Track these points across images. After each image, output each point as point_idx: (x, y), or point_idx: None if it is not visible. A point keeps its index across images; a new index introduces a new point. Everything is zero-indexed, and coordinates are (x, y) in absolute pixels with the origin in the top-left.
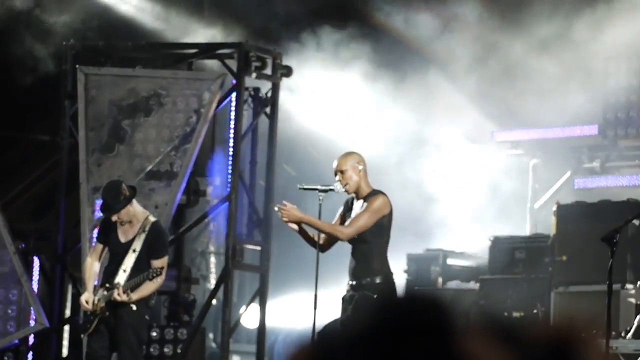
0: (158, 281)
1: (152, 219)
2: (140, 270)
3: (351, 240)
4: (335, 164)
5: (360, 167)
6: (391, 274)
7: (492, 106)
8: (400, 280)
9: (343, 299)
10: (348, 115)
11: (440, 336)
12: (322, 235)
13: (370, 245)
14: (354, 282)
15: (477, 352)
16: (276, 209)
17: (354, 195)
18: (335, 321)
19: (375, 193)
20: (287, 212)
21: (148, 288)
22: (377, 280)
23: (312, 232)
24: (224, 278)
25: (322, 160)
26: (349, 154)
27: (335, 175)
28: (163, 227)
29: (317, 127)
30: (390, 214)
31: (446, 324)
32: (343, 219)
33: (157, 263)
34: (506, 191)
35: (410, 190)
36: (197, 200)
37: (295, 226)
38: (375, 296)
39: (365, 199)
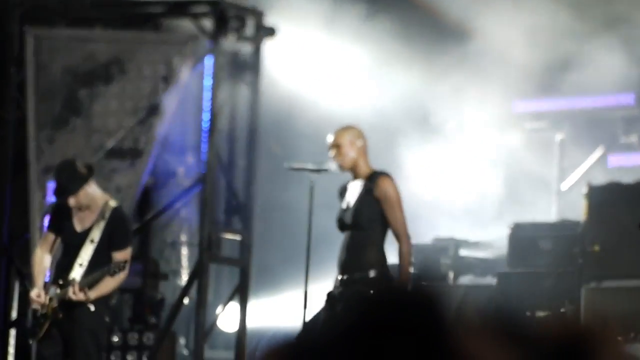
0: (120, 277)
1: (113, 204)
2: (99, 264)
3: (343, 227)
4: (330, 137)
5: (359, 144)
6: (387, 267)
7: (511, 71)
8: None
9: (329, 295)
10: (344, 83)
11: (442, 339)
12: None
13: (366, 233)
14: (345, 277)
15: (493, 357)
16: None
17: (348, 181)
18: (314, 319)
19: (378, 175)
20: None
21: (108, 285)
22: (372, 274)
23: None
24: (198, 273)
25: (313, 136)
26: (346, 127)
27: (330, 151)
28: (126, 214)
29: (308, 97)
30: None
31: (446, 325)
32: (342, 213)
33: (119, 256)
34: (528, 171)
35: (414, 171)
36: (166, 182)
37: None
38: (371, 291)
39: (369, 180)
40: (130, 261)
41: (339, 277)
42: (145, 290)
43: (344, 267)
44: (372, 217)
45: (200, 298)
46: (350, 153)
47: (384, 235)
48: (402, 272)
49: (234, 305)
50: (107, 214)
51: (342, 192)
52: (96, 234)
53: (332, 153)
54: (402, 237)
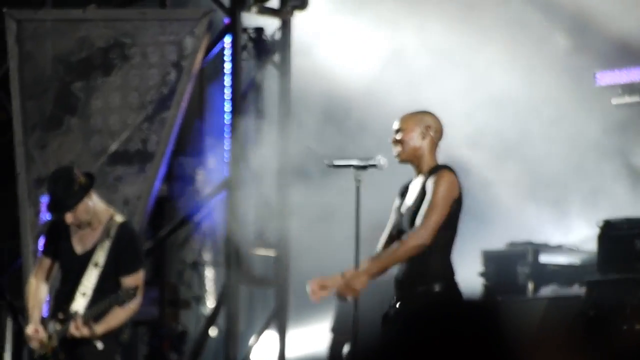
0: (131, 307)
1: (119, 219)
2: (106, 292)
3: (401, 235)
4: (397, 121)
5: (431, 133)
6: (455, 280)
7: (593, 37)
8: (474, 286)
9: (385, 317)
10: (397, 64)
11: None
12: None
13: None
14: (403, 293)
15: None
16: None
17: (411, 179)
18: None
19: (440, 168)
20: (349, 292)
21: (118, 317)
22: (436, 289)
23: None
24: (226, 298)
25: (358, 128)
26: (419, 112)
27: (394, 134)
28: (135, 230)
29: (351, 80)
30: (460, 198)
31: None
32: (400, 218)
33: (129, 281)
34: (617, 156)
35: (481, 161)
36: (184, 191)
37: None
38: (437, 310)
39: (429, 175)
40: (143, 287)
41: (396, 294)
42: (164, 322)
43: (402, 281)
44: None
45: (230, 328)
46: (415, 140)
47: (450, 241)
48: (386, 255)
49: (271, 335)
50: (113, 232)
51: (403, 192)
52: (100, 257)
53: (393, 137)
54: (424, 233)
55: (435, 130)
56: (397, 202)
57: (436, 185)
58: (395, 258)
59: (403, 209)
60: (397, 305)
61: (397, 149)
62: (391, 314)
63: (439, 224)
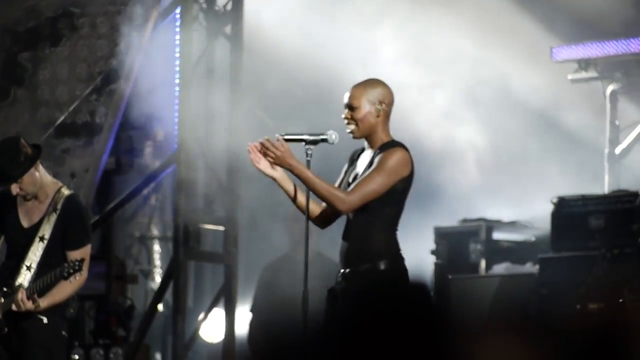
0: (78, 280)
1: (66, 192)
2: (52, 265)
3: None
4: (347, 95)
5: (382, 106)
6: (401, 257)
7: (550, 11)
8: (425, 265)
9: (330, 292)
10: (353, 34)
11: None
12: (314, 202)
13: (373, 218)
14: (348, 270)
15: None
16: (256, 143)
17: (363, 147)
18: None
19: (393, 145)
20: (277, 150)
21: (64, 291)
22: (382, 267)
23: (299, 190)
24: (174, 273)
25: (310, 101)
26: (372, 83)
27: (345, 109)
28: (83, 204)
29: (304, 52)
30: (410, 176)
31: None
32: (350, 183)
33: (75, 254)
34: (573, 132)
35: (436, 138)
36: (132, 164)
37: (276, 173)
38: (380, 289)
39: (380, 150)
40: (89, 261)
41: (342, 270)
42: (110, 297)
43: (347, 257)
44: (382, 197)
45: (178, 304)
46: (369, 118)
47: (396, 218)
48: (320, 184)
49: (219, 312)
50: (60, 205)
51: (354, 158)
52: (47, 230)
53: (345, 114)
54: (352, 198)
55: (388, 103)
56: (345, 166)
57: (384, 158)
58: (320, 188)
59: (350, 177)
60: (342, 281)
61: (351, 127)
62: (337, 289)
63: (370, 196)
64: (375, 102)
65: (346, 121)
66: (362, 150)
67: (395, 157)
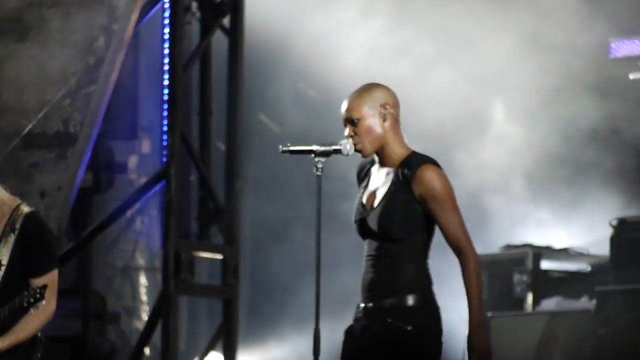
0: (42, 312)
1: (25, 209)
2: (11, 296)
3: (366, 234)
4: (344, 107)
5: (386, 111)
6: (432, 291)
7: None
8: (458, 301)
9: (348, 332)
10: (365, 28)
11: None
12: None
13: (400, 245)
14: (371, 305)
15: None
16: None
17: (371, 160)
18: None
19: (418, 162)
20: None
21: (29, 327)
22: (410, 302)
23: None
24: (163, 310)
25: (322, 104)
26: (367, 89)
27: (345, 126)
28: (44, 221)
29: (314, 49)
30: None
31: None
32: (363, 212)
33: (37, 282)
34: (634, 143)
35: (470, 152)
36: (112, 181)
37: None
38: (409, 328)
39: (404, 168)
40: (55, 288)
41: (363, 305)
42: (88, 339)
43: (370, 291)
44: (409, 221)
45: (168, 346)
46: (376, 129)
47: (426, 247)
48: (470, 299)
49: (217, 356)
50: (18, 224)
51: (362, 174)
52: (4, 254)
53: (347, 131)
54: (465, 249)
55: (393, 105)
56: (358, 187)
57: (438, 189)
58: (478, 286)
59: (364, 199)
60: (362, 319)
61: (358, 145)
62: (356, 327)
63: (467, 234)
64: (378, 107)
65: (351, 140)
66: (371, 163)
67: (439, 179)
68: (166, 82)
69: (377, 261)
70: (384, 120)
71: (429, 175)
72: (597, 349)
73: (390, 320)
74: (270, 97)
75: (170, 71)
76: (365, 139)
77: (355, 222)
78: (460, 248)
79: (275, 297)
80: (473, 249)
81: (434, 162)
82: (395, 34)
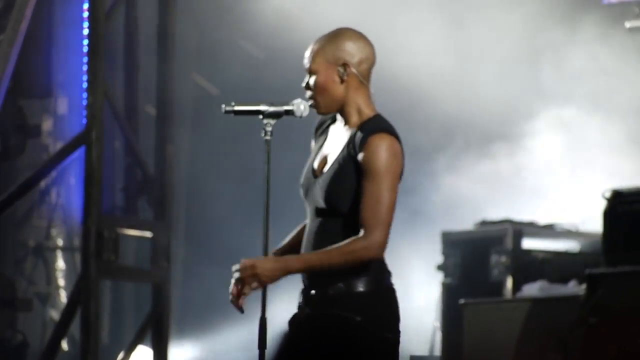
0: None
1: None
2: None
3: (310, 203)
4: (306, 55)
5: (352, 70)
6: (386, 275)
7: None
8: (428, 285)
9: (291, 322)
10: None
11: None
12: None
13: (347, 221)
14: (313, 292)
15: None
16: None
17: (333, 117)
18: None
19: (375, 129)
20: (247, 271)
21: None
22: (359, 288)
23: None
24: (83, 297)
25: (269, 60)
26: (334, 37)
27: (306, 78)
28: None
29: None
30: (401, 172)
31: None
32: (311, 177)
33: None
34: (628, 109)
35: (450, 115)
36: (23, 146)
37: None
38: (358, 318)
39: (358, 134)
40: None
41: (305, 292)
42: None
43: (313, 275)
44: (359, 193)
45: (88, 339)
46: (331, 88)
47: None
48: (316, 254)
49: (145, 350)
50: None
51: (319, 131)
52: None
53: (304, 84)
54: (372, 233)
55: (359, 62)
56: (312, 143)
57: (372, 159)
58: (330, 261)
59: (316, 162)
60: (305, 308)
61: (311, 99)
62: (300, 317)
63: (392, 215)
64: (338, 66)
65: (306, 91)
66: (333, 119)
67: (385, 154)
68: (86, 32)
69: (320, 237)
70: (342, 81)
71: (374, 143)
72: (587, 340)
73: (336, 311)
74: (206, 52)
75: (90, 18)
76: (318, 96)
77: (302, 186)
78: (367, 229)
79: (211, 280)
80: (381, 242)
81: (389, 131)
82: None
